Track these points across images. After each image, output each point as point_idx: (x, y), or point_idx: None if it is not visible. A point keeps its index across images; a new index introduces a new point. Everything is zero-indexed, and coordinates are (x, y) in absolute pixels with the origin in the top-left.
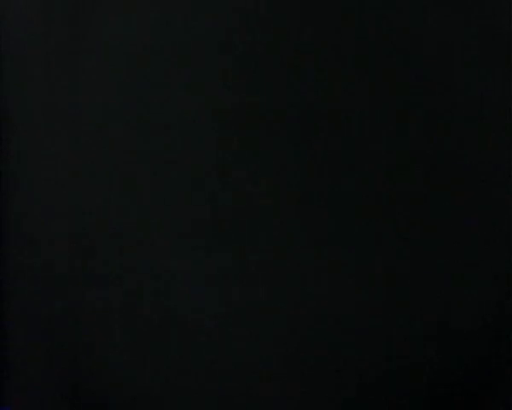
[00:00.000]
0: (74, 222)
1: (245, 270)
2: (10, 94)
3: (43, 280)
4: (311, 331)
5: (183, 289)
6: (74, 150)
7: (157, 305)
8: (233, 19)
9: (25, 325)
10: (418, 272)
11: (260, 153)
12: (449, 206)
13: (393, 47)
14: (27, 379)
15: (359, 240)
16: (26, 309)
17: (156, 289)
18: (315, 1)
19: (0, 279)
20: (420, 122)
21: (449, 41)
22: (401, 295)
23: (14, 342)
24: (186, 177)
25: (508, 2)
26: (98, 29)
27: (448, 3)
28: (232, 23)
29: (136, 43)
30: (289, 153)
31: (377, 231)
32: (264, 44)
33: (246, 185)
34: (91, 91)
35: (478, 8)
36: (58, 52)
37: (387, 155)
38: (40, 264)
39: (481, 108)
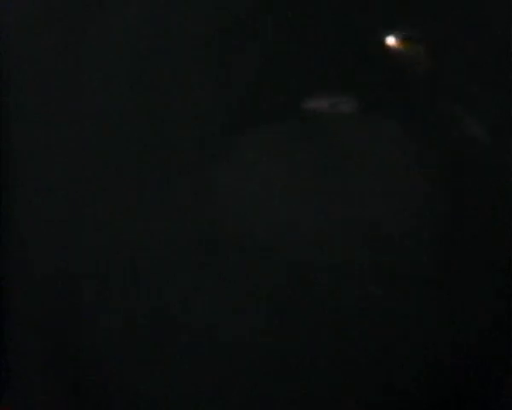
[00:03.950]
0: (74, 222)
1: (245, 274)
2: (10, 94)
3: (43, 280)
4: (310, 332)
5: (183, 289)
6: (74, 150)
7: (157, 305)
8: (233, 19)
9: (25, 325)
10: (418, 272)
11: (260, 154)
12: (449, 206)
13: (393, 47)
14: (27, 379)
15: (359, 239)
16: (26, 309)
17: (156, 288)
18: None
19: (0, 279)
20: (419, 122)
21: (449, 41)
22: (400, 296)
23: (14, 342)
24: (186, 182)
25: (508, 3)
26: (98, 28)
27: (448, 3)
28: (232, 23)
29: (136, 43)
30: (289, 155)
31: (377, 231)
32: (264, 44)
33: (244, 192)
34: (92, 91)
35: (478, 9)
36: (58, 51)
37: (388, 154)
38: (40, 264)
39: (481, 108)
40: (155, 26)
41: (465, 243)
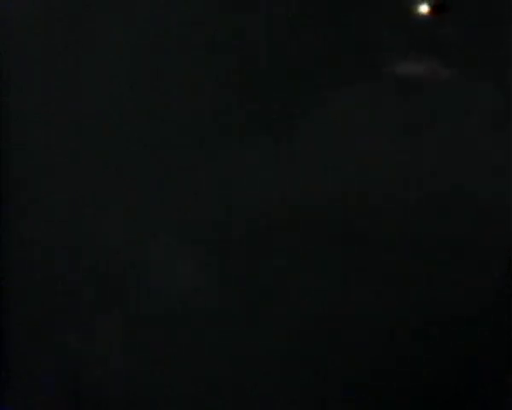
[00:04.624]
0: (74, 222)
1: (245, 272)
2: (10, 94)
3: (43, 280)
4: (309, 332)
5: (183, 288)
6: (74, 151)
7: (157, 305)
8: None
9: (25, 325)
10: (418, 269)
11: (260, 155)
12: (449, 204)
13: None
14: (27, 379)
15: (359, 239)
16: (26, 309)
17: (155, 288)
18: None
19: (0, 279)
20: (419, 122)
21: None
22: (400, 294)
23: (14, 342)
24: (187, 179)
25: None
26: (98, 28)
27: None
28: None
29: (136, 43)
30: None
31: (377, 228)
32: (265, 44)
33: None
34: (91, 91)
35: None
36: (58, 51)
37: (389, 154)
38: (40, 264)
39: (481, 109)
40: (155, 25)
41: (465, 243)
